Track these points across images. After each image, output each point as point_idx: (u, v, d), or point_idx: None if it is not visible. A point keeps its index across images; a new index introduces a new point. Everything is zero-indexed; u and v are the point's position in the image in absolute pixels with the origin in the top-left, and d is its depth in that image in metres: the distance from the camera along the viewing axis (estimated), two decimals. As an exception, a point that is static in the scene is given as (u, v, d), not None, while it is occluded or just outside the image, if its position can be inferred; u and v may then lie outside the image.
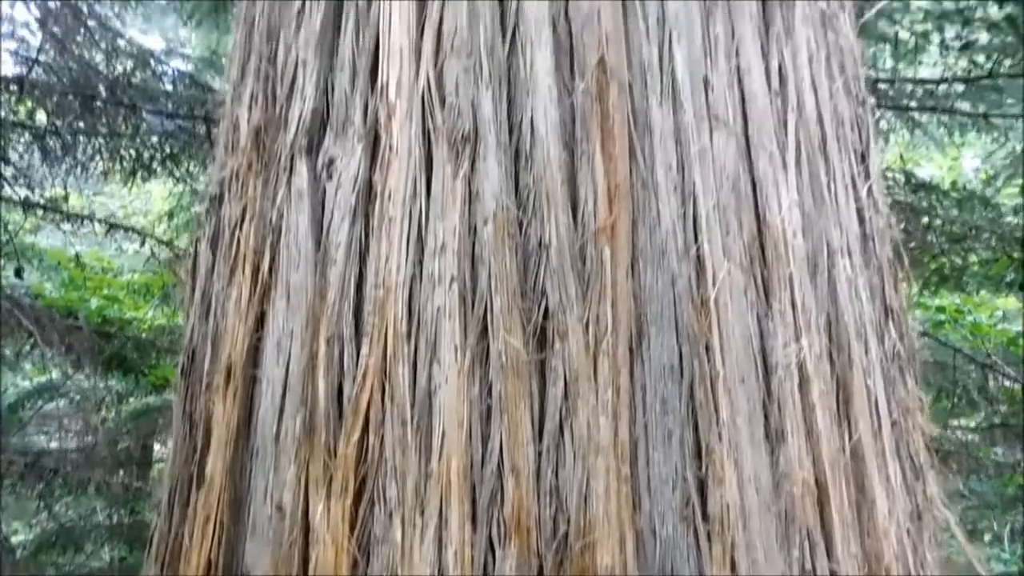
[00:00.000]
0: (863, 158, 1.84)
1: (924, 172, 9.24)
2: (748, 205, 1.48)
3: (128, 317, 7.31)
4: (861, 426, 1.47)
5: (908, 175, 6.28)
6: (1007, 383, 5.95)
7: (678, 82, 1.50)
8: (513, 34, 1.51)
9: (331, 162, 1.50)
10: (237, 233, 1.56)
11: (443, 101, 1.46)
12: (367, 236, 1.43)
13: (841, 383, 1.47)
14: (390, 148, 1.44)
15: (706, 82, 1.53)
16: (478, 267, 1.35)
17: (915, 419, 1.68)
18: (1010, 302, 7.10)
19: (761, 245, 1.47)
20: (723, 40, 1.58)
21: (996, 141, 6.11)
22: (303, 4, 1.67)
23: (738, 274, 1.42)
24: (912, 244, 5.95)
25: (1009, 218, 6.39)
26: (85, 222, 6.08)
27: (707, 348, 1.34)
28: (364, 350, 1.34)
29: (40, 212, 6.09)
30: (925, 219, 6.12)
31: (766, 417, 1.37)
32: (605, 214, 1.37)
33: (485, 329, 1.32)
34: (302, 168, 1.51)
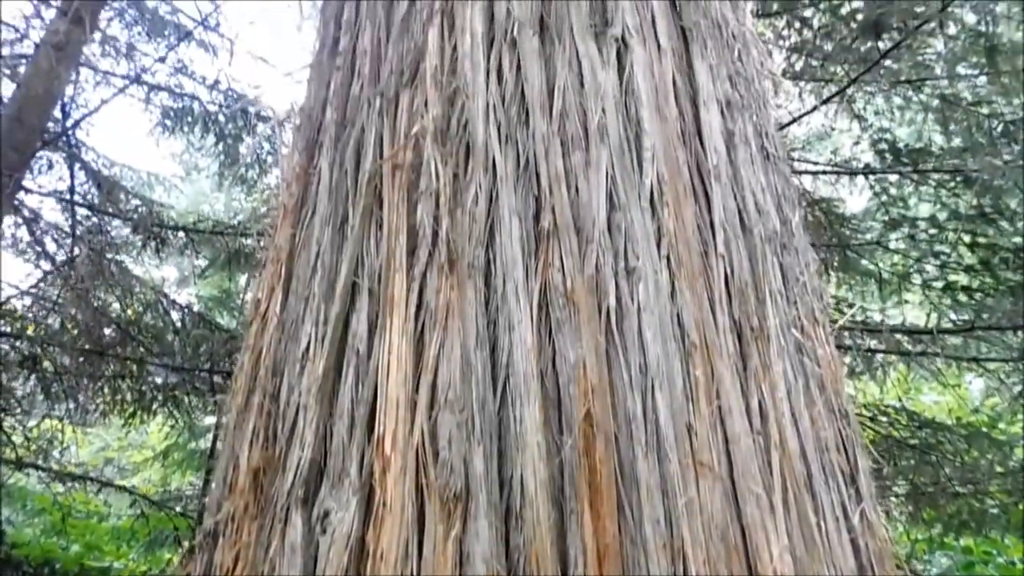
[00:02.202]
0: (852, 479, 1.87)
1: (928, 398, 9.19)
2: (739, 556, 1.48)
3: (106, 565, 7.09)
4: None
5: (911, 414, 6.27)
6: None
7: (662, 431, 1.55)
8: (504, 387, 1.59)
9: (326, 515, 1.52)
10: (228, 583, 1.55)
11: (436, 456, 1.51)
12: (358, 599, 1.42)
13: None
14: (384, 504, 1.47)
15: (689, 428, 1.59)
16: (468, 641, 1.33)
17: None
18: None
19: (755, 599, 1.46)
20: (703, 383, 1.66)
21: (992, 385, 6.19)
22: (308, 347, 1.78)
23: (734, 637, 1.39)
24: (923, 491, 5.85)
25: (1019, 451, 6.32)
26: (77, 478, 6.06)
27: None
28: None
29: (32, 469, 6.09)
30: (933, 457, 6.04)
31: None
32: (595, 578, 1.37)
33: None
34: (297, 520, 1.54)
